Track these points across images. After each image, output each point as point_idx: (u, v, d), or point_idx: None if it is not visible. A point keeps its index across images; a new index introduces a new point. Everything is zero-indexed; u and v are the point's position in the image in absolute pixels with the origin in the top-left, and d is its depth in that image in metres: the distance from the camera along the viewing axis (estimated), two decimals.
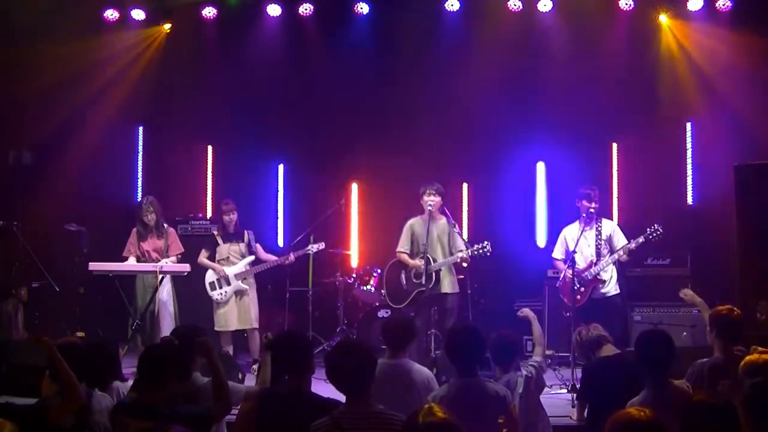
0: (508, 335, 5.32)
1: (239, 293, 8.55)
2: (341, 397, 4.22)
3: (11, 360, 7.22)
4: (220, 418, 4.53)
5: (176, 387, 4.52)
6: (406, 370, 5.10)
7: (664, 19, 9.76)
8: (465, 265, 8.25)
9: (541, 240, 10.26)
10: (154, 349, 4.68)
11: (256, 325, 8.57)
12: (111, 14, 10.08)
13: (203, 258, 8.64)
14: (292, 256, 8.73)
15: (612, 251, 7.72)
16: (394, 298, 8.30)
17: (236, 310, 8.52)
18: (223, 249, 8.65)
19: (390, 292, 8.35)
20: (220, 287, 8.54)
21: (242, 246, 8.67)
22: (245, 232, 8.73)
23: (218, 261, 8.61)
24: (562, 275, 7.88)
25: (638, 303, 8.72)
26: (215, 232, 8.75)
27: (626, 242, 7.70)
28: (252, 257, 8.65)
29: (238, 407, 4.81)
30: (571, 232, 7.92)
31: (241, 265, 8.59)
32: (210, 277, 8.58)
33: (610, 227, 7.88)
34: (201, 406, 4.36)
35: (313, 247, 8.86)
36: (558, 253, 8.02)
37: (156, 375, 4.22)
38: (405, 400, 4.63)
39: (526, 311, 6.06)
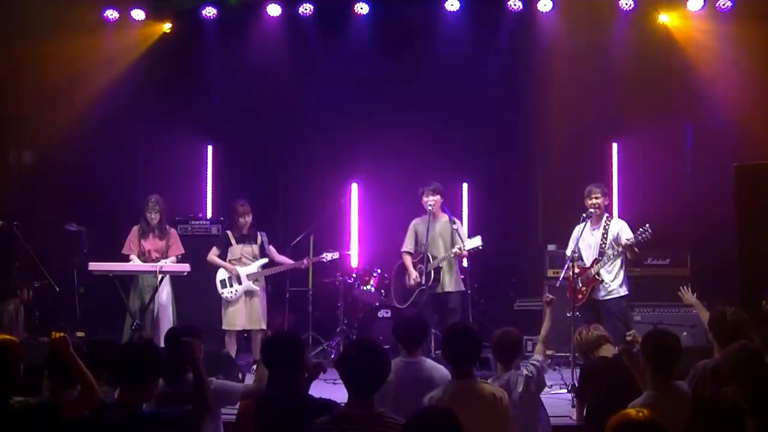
0: (511, 332, 5.31)
1: (249, 293, 8.51)
2: (336, 399, 4.23)
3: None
4: (199, 420, 4.38)
5: (169, 389, 4.50)
6: (425, 367, 5.12)
7: (664, 19, 9.76)
8: (465, 264, 8.26)
9: (541, 240, 10.25)
10: (131, 348, 4.62)
11: (264, 326, 8.56)
12: (111, 14, 10.06)
13: (213, 256, 8.60)
14: (306, 262, 8.77)
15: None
16: (398, 298, 8.43)
17: (245, 310, 8.48)
18: (236, 249, 8.61)
19: (396, 291, 8.52)
20: (231, 285, 8.51)
21: (255, 247, 8.64)
22: (258, 233, 8.71)
23: (230, 261, 8.56)
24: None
25: (638, 303, 8.70)
26: (229, 232, 8.72)
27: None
28: (265, 259, 8.63)
29: (236, 407, 4.81)
30: (579, 231, 7.87)
31: (254, 267, 8.57)
32: (221, 275, 8.55)
33: (618, 226, 7.70)
34: (183, 411, 4.25)
35: (328, 256, 8.86)
36: (570, 251, 7.94)
37: (133, 374, 4.10)
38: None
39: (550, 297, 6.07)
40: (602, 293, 7.60)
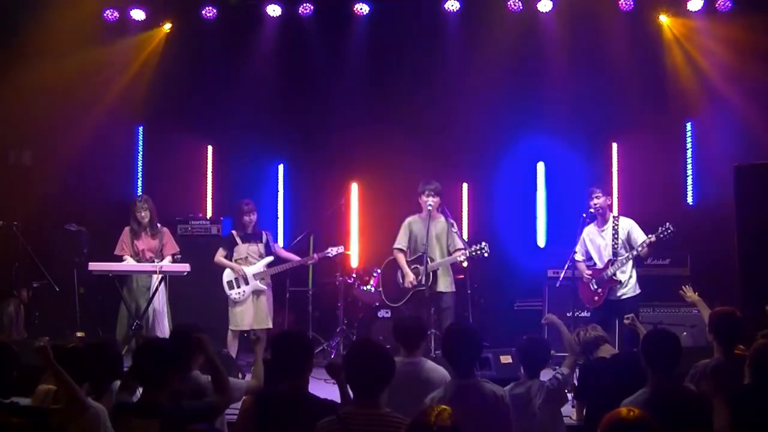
0: (538, 340, 5.28)
1: (257, 293, 8.47)
2: (338, 398, 4.23)
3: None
4: (223, 410, 4.57)
5: (177, 384, 4.52)
6: (423, 368, 5.12)
7: (664, 19, 9.77)
8: (464, 264, 8.25)
9: (541, 240, 10.26)
10: (151, 347, 4.65)
11: (270, 325, 8.52)
12: (111, 14, 10.08)
13: (220, 257, 8.55)
14: (316, 257, 8.72)
15: (632, 249, 7.61)
16: (390, 297, 8.35)
17: (253, 309, 8.43)
18: (242, 249, 8.56)
19: (386, 290, 8.41)
20: (238, 286, 8.46)
21: (260, 246, 8.59)
22: (263, 232, 8.68)
23: (236, 261, 8.50)
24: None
25: (638, 303, 8.69)
26: (234, 232, 8.70)
27: (645, 238, 7.56)
28: (271, 258, 8.58)
29: (238, 405, 4.82)
30: (587, 232, 7.86)
31: (260, 265, 8.52)
32: (228, 276, 8.50)
33: (627, 225, 7.73)
34: (204, 402, 4.36)
35: (333, 250, 8.81)
36: (579, 254, 7.87)
37: (156, 373, 4.20)
38: (423, 399, 4.60)
39: (551, 317, 6.02)
40: (620, 293, 7.65)
